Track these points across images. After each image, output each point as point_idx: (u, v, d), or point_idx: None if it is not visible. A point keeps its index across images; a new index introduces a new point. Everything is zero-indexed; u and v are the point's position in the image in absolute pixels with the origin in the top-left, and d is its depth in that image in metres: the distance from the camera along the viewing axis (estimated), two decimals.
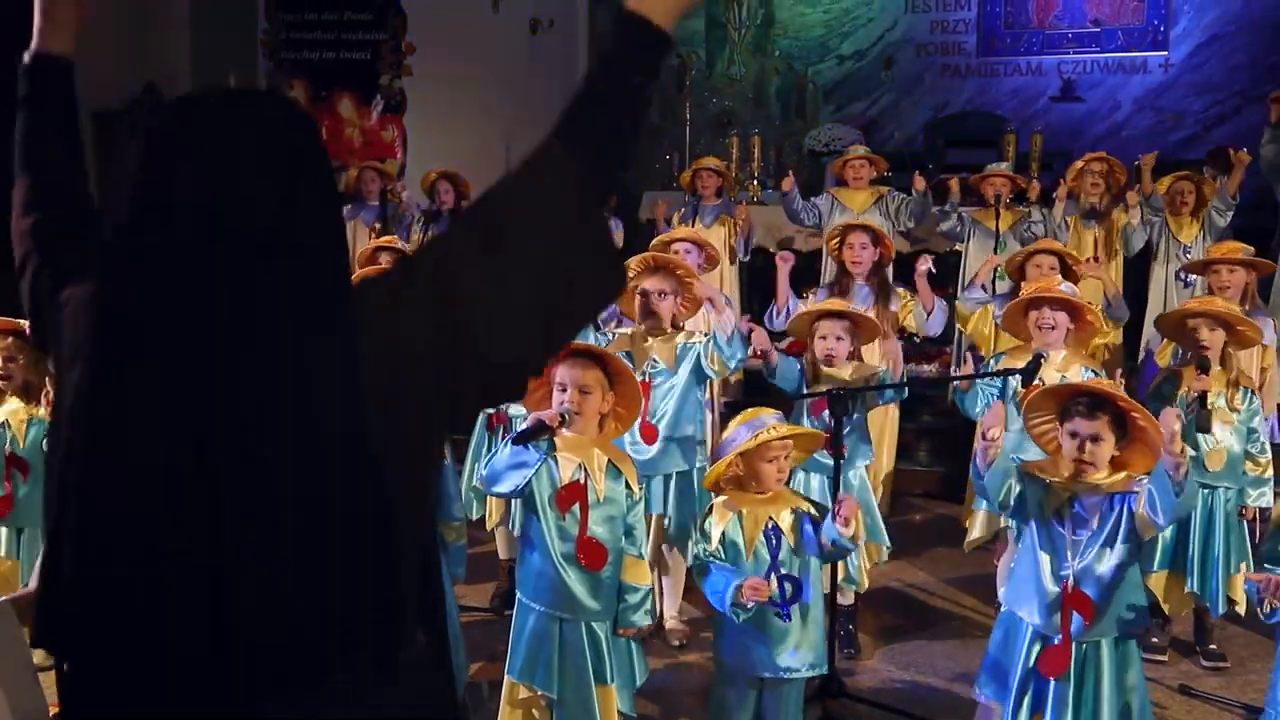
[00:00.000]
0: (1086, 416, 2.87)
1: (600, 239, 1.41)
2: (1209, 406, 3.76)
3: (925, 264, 4.83)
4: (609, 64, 1.40)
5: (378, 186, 7.02)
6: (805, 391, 3.91)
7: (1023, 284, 4.49)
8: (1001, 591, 3.13)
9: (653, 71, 1.41)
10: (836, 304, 4.17)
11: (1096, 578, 2.86)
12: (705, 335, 4.09)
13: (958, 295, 5.68)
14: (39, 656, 3.51)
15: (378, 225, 6.82)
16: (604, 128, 1.38)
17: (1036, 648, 2.93)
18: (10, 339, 3.75)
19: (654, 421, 3.97)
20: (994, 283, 5.27)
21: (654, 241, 5.14)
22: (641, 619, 3.07)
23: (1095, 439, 2.86)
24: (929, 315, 4.80)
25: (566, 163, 1.35)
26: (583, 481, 2.98)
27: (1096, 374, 3.81)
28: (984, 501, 3.59)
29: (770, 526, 2.98)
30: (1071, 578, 2.86)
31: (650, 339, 4.04)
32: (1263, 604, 2.72)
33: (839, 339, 3.95)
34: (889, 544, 4.07)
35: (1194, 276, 5.42)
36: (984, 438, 2.98)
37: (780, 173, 9.72)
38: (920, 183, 6.32)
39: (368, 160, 7.48)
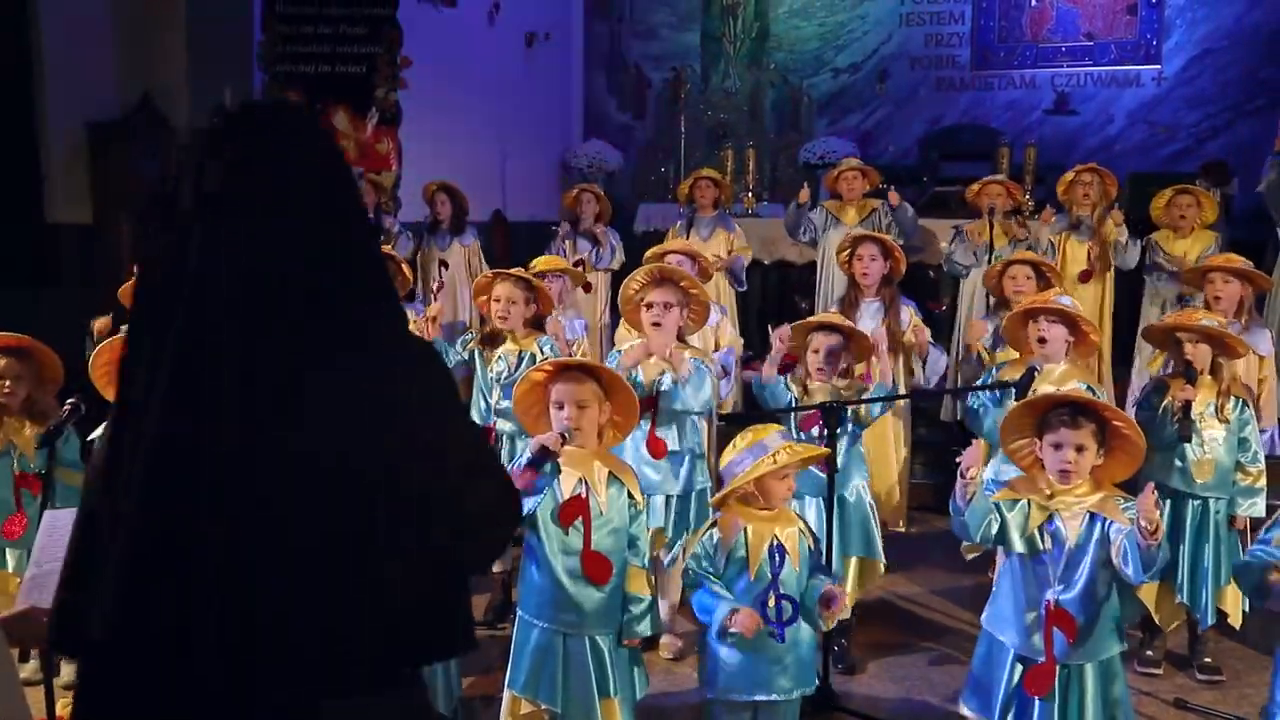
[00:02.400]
0: (1070, 425, 2.85)
1: None
2: (1193, 416, 3.76)
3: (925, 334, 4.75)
4: None
5: (372, 200, 7.08)
6: (795, 406, 3.87)
7: (1004, 295, 4.47)
8: (985, 615, 3.09)
9: None
10: (833, 317, 4.13)
11: (1079, 597, 2.84)
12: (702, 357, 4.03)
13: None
14: (26, 671, 3.51)
15: None
16: None
17: (1020, 666, 2.91)
18: (6, 359, 3.56)
19: (661, 435, 3.94)
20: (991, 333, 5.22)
21: (648, 254, 5.13)
22: (645, 629, 3.04)
23: (1079, 448, 2.84)
24: (928, 363, 4.69)
25: None
26: (584, 495, 2.96)
27: (1093, 390, 3.77)
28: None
29: (774, 544, 2.94)
30: (1054, 599, 2.83)
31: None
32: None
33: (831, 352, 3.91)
34: (884, 560, 4.00)
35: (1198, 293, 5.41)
36: (962, 476, 2.90)
37: (775, 185, 9.74)
38: (894, 197, 6.31)
39: (363, 173, 7.53)
